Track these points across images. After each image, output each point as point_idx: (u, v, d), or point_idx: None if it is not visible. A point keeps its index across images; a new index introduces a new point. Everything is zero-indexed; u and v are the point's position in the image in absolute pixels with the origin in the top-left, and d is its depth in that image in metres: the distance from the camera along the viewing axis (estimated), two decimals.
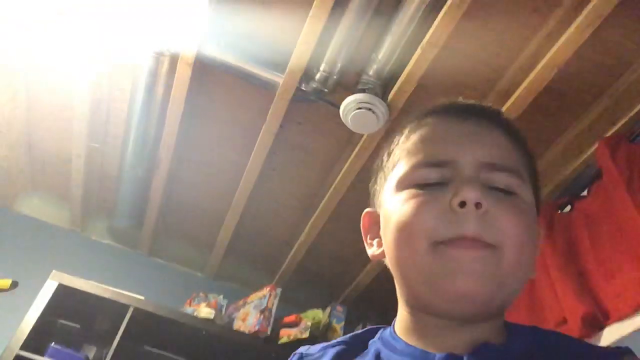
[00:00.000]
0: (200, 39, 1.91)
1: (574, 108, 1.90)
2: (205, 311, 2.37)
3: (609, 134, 1.72)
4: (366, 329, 0.65)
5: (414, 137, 0.61)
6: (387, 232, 0.58)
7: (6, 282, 2.48)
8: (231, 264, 2.88)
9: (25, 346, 2.07)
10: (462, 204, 0.52)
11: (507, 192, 0.55)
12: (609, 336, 1.49)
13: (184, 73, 2.00)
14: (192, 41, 1.92)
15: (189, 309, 2.45)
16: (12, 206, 2.77)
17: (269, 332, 2.39)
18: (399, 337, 0.58)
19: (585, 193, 1.78)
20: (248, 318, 2.41)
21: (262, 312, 2.41)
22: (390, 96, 1.94)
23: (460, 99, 0.65)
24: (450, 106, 0.63)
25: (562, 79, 1.78)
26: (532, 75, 1.74)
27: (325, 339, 2.37)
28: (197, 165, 2.50)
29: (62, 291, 2.25)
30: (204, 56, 1.95)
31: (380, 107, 1.94)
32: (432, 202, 0.54)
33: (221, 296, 2.55)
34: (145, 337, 2.49)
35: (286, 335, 2.42)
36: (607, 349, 0.54)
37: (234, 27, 1.92)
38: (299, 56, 1.87)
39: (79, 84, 2.20)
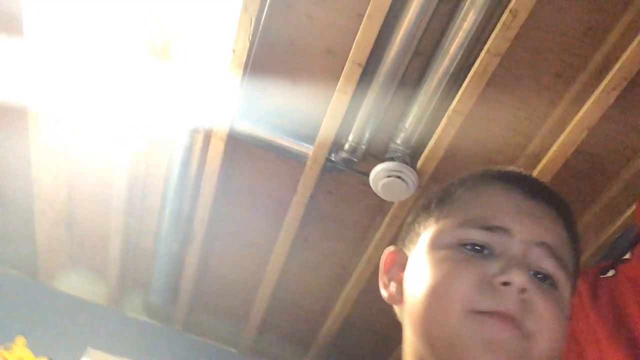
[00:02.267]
0: (233, 115, 2.00)
1: (607, 169, 1.87)
2: None
3: None
4: None
5: (470, 197, 0.60)
6: (417, 285, 0.56)
7: None
8: (265, 338, 2.83)
9: None
10: (506, 284, 0.51)
11: (549, 281, 0.55)
12: None
13: (217, 148, 2.07)
14: (225, 117, 2.00)
15: None
16: (50, 283, 2.83)
17: None
18: None
19: (628, 256, 1.71)
20: None
21: None
22: (419, 164, 1.96)
23: (522, 171, 0.64)
24: (512, 174, 0.62)
25: (592, 141, 1.77)
26: (561, 139, 1.74)
27: None
28: (229, 238, 2.52)
29: None
30: (236, 131, 2.03)
31: (409, 175, 1.95)
32: (473, 269, 0.53)
33: None
34: None
35: None
36: None
37: (265, 102, 2.00)
38: (328, 128, 1.92)
39: (117, 162, 2.29)
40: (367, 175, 2.01)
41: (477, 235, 0.56)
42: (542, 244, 0.55)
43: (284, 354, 2.78)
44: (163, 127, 2.16)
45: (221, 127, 2.02)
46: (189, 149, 2.16)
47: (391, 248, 0.65)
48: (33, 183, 2.43)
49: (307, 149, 2.02)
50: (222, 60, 1.88)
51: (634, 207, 1.71)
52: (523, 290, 0.51)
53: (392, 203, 2.11)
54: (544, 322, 0.52)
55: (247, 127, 2.03)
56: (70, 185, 2.51)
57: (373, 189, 2.00)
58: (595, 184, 1.92)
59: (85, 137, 2.30)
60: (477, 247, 0.55)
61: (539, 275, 0.54)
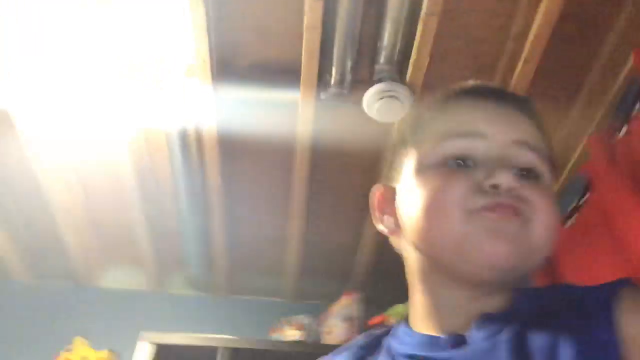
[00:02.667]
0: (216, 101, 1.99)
1: (598, 26, 1.80)
2: (290, 334, 2.40)
3: None
4: (381, 328, 0.66)
5: (442, 115, 0.62)
6: (412, 206, 0.58)
7: (104, 354, 2.62)
8: (305, 282, 2.91)
9: None
10: (495, 187, 0.54)
11: (533, 175, 0.57)
12: None
13: (210, 129, 2.09)
14: (209, 106, 2.00)
15: (274, 337, 2.49)
16: (93, 283, 2.93)
17: None
18: (410, 329, 0.59)
19: (638, 107, 1.67)
20: (335, 330, 2.42)
21: (349, 320, 2.41)
22: (408, 77, 1.92)
23: (494, 84, 0.67)
24: (478, 87, 0.65)
25: (574, 1, 1.69)
26: (542, 7, 1.67)
27: None
28: (247, 200, 2.55)
29: (155, 349, 2.34)
30: (223, 115, 2.06)
31: (401, 91, 1.91)
32: (462, 179, 0.55)
33: (302, 316, 2.57)
34: None
35: None
36: (605, 283, 0.52)
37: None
38: (308, 68, 1.89)
39: (122, 158, 2.32)
40: (360, 103, 1.98)
41: (456, 146, 0.57)
42: (519, 142, 0.57)
43: (325, 291, 2.85)
44: (152, 119, 2.18)
45: (207, 115, 2.02)
46: (183, 136, 2.17)
47: (378, 186, 0.67)
48: (48, 196, 2.48)
49: (295, 93, 2.00)
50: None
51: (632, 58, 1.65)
52: (511, 189, 0.53)
53: (393, 124, 2.09)
54: (538, 209, 0.54)
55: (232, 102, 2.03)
56: (85, 189, 2.55)
57: (368, 114, 1.98)
58: (589, 44, 1.85)
59: (84, 140, 2.32)
60: (460, 161, 0.57)
61: (523, 172, 0.56)
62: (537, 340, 0.48)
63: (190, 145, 2.22)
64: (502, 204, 0.53)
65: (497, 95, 0.62)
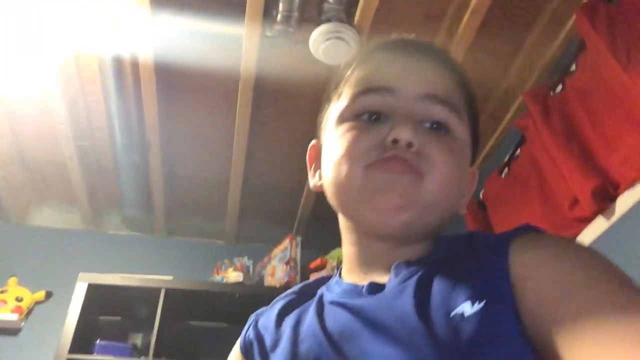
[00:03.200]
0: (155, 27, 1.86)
1: None
2: (233, 275, 2.42)
3: (586, 0, 1.64)
4: (317, 278, 0.68)
5: (358, 70, 0.62)
6: (327, 161, 0.59)
7: (40, 294, 2.56)
8: (248, 225, 2.91)
9: (73, 348, 2.14)
10: (395, 141, 0.54)
11: (443, 129, 0.57)
12: (623, 205, 1.47)
13: (147, 57, 1.96)
14: (147, 32, 1.87)
15: (217, 278, 2.50)
16: (25, 221, 2.81)
17: (298, 281, 2.43)
18: (341, 279, 0.61)
19: (574, 68, 1.72)
20: (276, 272, 2.46)
21: (287, 263, 2.44)
22: (356, 19, 1.87)
23: (407, 35, 0.65)
24: (395, 41, 0.64)
25: None
26: None
27: None
28: (187, 138, 2.48)
29: (94, 290, 2.31)
30: (162, 43, 1.92)
31: (348, 33, 1.87)
32: (368, 134, 0.56)
33: (245, 257, 2.59)
34: (183, 314, 2.56)
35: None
36: (507, 231, 0.53)
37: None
38: (254, 4, 1.81)
39: (51, 87, 2.17)
40: (306, 42, 1.93)
41: (368, 101, 0.58)
42: (428, 95, 0.57)
43: (268, 235, 2.87)
44: (87, 42, 2.03)
45: (145, 43, 1.89)
46: (118, 59, 2.04)
47: (313, 141, 0.68)
48: None
49: (239, 27, 1.92)
50: None
51: (574, 18, 1.68)
52: (410, 144, 0.54)
53: (339, 67, 2.06)
54: (435, 163, 0.54)
55: (174, 28, 1.91)
56: (11, 122, 2.40)
57: (314, 55, 1.93)
58: (533, 1, 1.86)
59: (12, 68, 2.15)
60: (374, 116, 0.57)
61: (434, 125, 0.57)
62: (439, 284, 0.50)
63: (126, 75, 2.10)
64: (396, 157, 0.54)
65: (413, 49, 0.61)
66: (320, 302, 0.59)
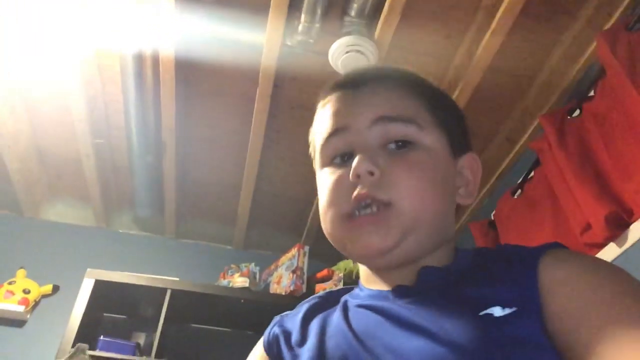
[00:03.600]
0: (179, 24, 1.89)
1: (567, 8, 1.81)
2: (239, 281, 2.42)
3: (608, 27, 1.64)
4: (342, 287, 0.71)
5: (321, 114, 0.65)
6: (319, 202, 0.63)
7: (48, 288, 2.58)
8: (257, 231, 2.92)
9: (76, 343, 2.15)
10: (357, 177, 0.56)
11: (408, 144, 0.58)
12: (636, 232, 1.46)
13: (168, 59, 1.98)
14: (171, 28, 1.90)
15: (224, 282, 2.51)
16: (38, 215, 2.84)
17: (304, 290, 2.43)
18: (364, 287, 0.63)
19: (592, 94, 1.71)
20: (282, 280, 2.46)
21: (294, 272, 2.44)
22: (376, 33, 1.89)
23: (360, 68, 0.68)
24: (346, 77, 0.66)
25: None
26: None
27: None
28: (202, 142, 2.50)
29: (101, 286, 2.32)
30: (184, 41, 1.94)
31: (368, 47, 1.89)
32: (339, 178, 0.58)
33: (252, 264, 2.59)
34: (188, 316, 2.57)
35: (321, 289, 2.45)
36: (537, 246, 0.56)
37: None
38: (276, 13, 1.83)
39: (72, 84, 2.21)
40: (326, 54, 1.95)
41: (332, 145, 0.61)
42: (377, 119, 0.59)
43: (276, 243, 2.88)
44: (109, 39, 2.06)
45: (168, 40, 1.93)
46: (139, 60, 2.07)
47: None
48: None
49: (261, 34, 1.94)
50: None
51: (595, 43, 1.68)
52: (371, 173, 0.56)
53: None
54: (400, 185, 0.56)
55: (197, 33, 1.95)
56: (31, 118, 2.44)
57: (333, 67, 1.95)
58: (556, 24, 1.87)
59: (34, 65, 2.19)
60: (345, 156, 0.60)
61: (399, 143, 0.58)
62: (470, 290, 0.52)
63: (146, 75, 2.13)
64: (359, 196, 0.55)
65: (359, 80, 0.63)
66: (345, 306, 0.61)
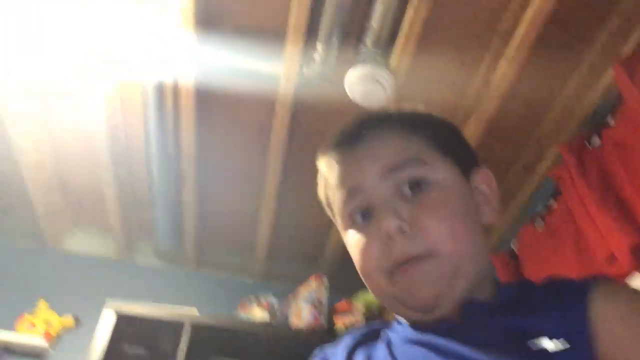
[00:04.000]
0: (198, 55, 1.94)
1: (582, 36, 1.80)
2: (259, 315, 2.39)
3: (624, 51, 1.62)
4: (381, 321, 0.71)
5: (328, 175, 0.66)
6: (353, 258, 0.63)
7: (69, 320, 2.58)
8: (275, 262, 2.90)
9: None
10: (388, 235, 0.57)
11: (422, 183, 0.58)
12: None
13: (188, 89, 2.02)
14: (190, 59, 1.95)
15: (242, 315, 2.48)
16: (59, 246, 2.88)
17: (323, 322, 2.38)
18: (403, 321, 0.63)
19: (610, 121, 1.68)
20: (302, 313, 2.42)
21: (313, 305, 2.41)
22: (392, 62, 1.90)
23: (354, 119, 0.67)
24: (342, 134, 0.66)
25: (563, 8, 1.69)
26: (531, 9, 1.66)
27: (380, 320, 2.35)
28: (221, 172, 2.52)
29: (120, 318, 2.32)
30: (204, 71, 1.99)
31: (384, 77, 1.89)
32: (370, 237, 0.59)
33: (271, 295, 2.57)
34: (208, 349, 2.53)
35: (341, 322, 2.41)
36: (584, 278, 0.56)
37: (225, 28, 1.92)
38: (293, 43, 1.86)
39: (95, 115, 2.26)
40: (342, 83, 1.96)
41: (351, 205, 0.61)
42: (385, 172, 0.59)
43: (294, 273, 2.85)
44: (131, 71, 2.11)
45: (189, 70, 1.97)
46: (160, 91, 2.11)
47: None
48: (16, 152, 2.41)
49: (278, 64, 1.97)
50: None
51: (611, 69, 1.65)
52: (400, 229, 0.56)
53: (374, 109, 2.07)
54: (433, 232, 0.56)
55: (214, 63, 1.98)
56: (54, 148, 2.49)
57: (350, 95, 1.96)
58: (572, 52, 1.85)
59: (58, 96, 2.25)
60: (364, 213, 0.61)
61: (412, 185, 0.59)
62: (516, 322, 0.53)
63: (166, 106, 2.17)
64: (401, 261, 0.56)
65: (356, 136, 0.64)
66: (389, 342, 0.61)
